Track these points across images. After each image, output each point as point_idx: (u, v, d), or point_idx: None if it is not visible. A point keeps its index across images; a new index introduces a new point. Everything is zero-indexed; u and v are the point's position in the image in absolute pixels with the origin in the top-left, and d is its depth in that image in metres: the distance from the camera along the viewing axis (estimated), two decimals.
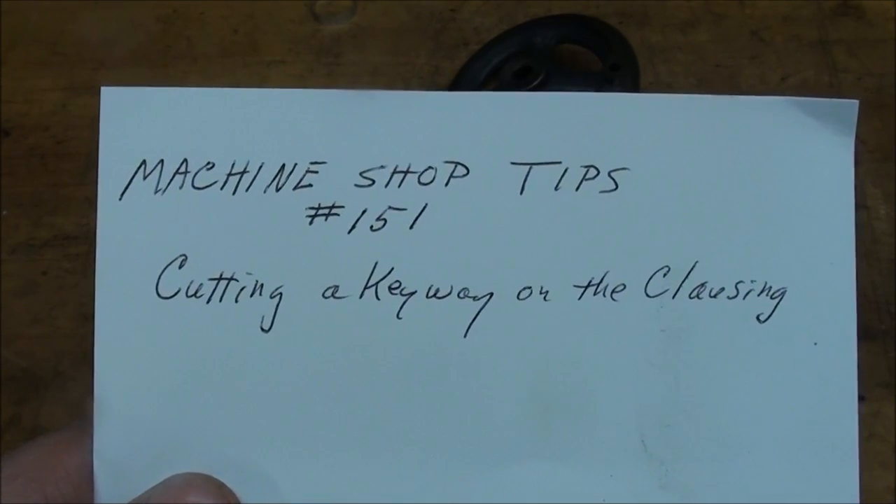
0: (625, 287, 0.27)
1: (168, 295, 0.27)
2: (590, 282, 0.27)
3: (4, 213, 0.50)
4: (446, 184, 0.27)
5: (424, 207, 0.27)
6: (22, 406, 0.44)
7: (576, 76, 0.50)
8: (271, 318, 0.27)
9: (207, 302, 0.27)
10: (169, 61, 0.54)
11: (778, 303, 0.27)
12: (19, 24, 0.55)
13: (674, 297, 0.27)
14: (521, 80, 0.49)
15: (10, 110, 0.53)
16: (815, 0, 0.54)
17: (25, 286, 0.47)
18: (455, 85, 0.52)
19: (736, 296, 0.27)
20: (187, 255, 0.27)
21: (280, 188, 0.27)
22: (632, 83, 0.49)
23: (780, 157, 0.27)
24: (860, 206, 0.43)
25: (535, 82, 0.48)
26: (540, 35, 0.51)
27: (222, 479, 0.27)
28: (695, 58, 0.53)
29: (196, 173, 0.27)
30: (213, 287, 0.27)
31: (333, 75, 0.54)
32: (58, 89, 0.53)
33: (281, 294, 0.27)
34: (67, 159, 0.51)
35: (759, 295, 0.27)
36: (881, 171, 0.48)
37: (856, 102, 0.27)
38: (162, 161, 0.27)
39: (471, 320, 0.27)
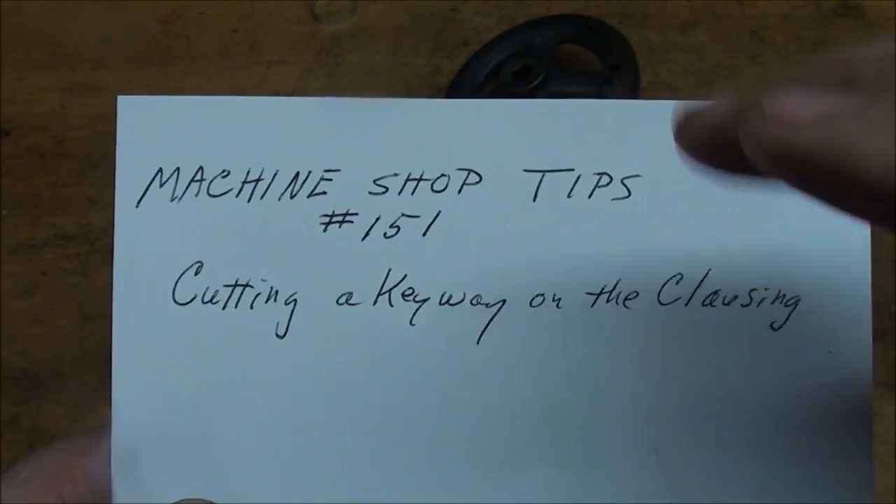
0: (637, 294, 0.27)
1: (184, 301, 0.27)
2: (602, 289, 0.27)
3: (4, 213, 0.49)
4: (459, 191, 0.27)
5: (437, 214, 0.27)
6: (22, 406, 0.44)
7: (576, 76, 0.50)
8: (286, 324, 0.27)
9: (223, 308, 0.27)
10: (169, 61, 0.54)
11: (792, 311, 0.27)
12: (19, 24, 0.55)
13: (687, 304, 0.27)
14: (521, 80, 0.49)
15: (10, 110, 0.52)
16: (815, 0, 0.54)
17: (25, 286, 0.47)
18: (455, 85, 0.52)
19: (749, 303, 0.27)
20: (203, 261, 0.27)
21: (294, 195, 0.27)
22: (632, 83, 0.49)
23: None
24: None
25: (535, 82, 0.48)
26: (540, 35, 0.51)
27: (235, 483, 0.27)
28: (695, 58, 0.53)
29: (212, 181, 0.27)
30: (229, 293, 0.27)
31: (333, 75, 0.54)
32: (58, 89, 0.53)
33: (295, 300, 0.27)
34: (67, 159, 0.51)
35: (772, 303, 0.27)
36: None
37: None
38: (178, 169, 0.27)
39: (483, 327, 0.27)
